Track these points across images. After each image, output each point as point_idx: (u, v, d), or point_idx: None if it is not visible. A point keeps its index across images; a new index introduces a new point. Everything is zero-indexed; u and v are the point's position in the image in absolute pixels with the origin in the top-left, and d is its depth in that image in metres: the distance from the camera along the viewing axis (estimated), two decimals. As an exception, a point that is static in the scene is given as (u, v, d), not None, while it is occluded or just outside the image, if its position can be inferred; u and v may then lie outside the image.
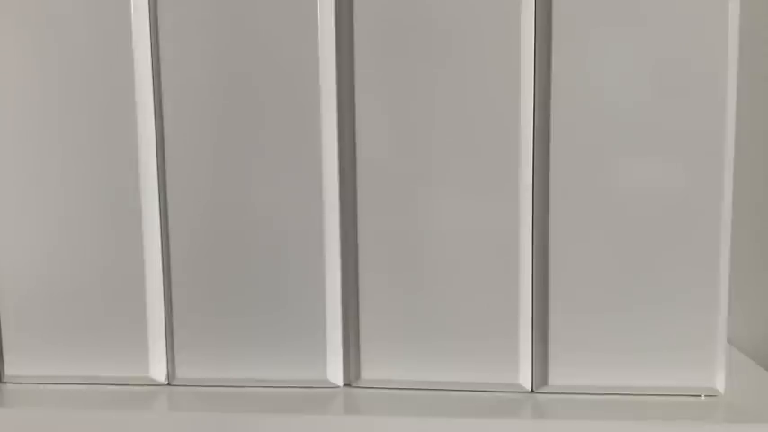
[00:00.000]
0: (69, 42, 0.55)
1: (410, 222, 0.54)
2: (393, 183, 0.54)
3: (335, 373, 0.57)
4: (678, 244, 0.53)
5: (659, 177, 0.53)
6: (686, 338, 0.53)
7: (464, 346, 0.55)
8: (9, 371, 0.59)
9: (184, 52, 0.55)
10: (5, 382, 0.59)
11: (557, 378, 0.55)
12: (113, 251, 0.57)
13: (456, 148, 0.53)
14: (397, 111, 0.54)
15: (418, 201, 0.54)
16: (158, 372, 0.58)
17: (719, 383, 0.54)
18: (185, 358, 0.57)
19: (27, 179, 0.57)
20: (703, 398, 0.54)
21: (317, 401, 0.55)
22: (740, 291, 0.71)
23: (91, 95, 0.55)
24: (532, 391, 0.55)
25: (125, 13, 0.54)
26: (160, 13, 0.54)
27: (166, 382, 0.58)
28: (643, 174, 0.53)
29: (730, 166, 0.52)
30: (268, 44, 0.54)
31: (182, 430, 0.53)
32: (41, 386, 0.58)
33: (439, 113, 0.53)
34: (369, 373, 0.56)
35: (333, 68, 0.54)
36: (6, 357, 0.59)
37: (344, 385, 0.57)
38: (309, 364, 0.56)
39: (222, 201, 0.55)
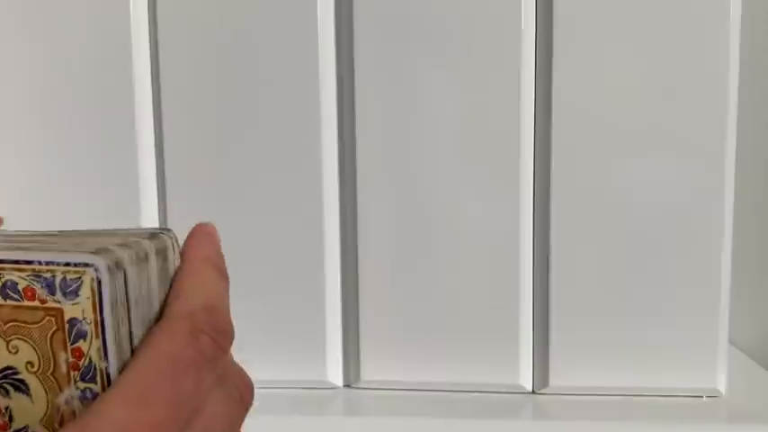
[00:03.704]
0: (69, 42, 0.55)
1: (410, 223, 0.54)
2: (393, 184, 0.54)
3: (335, 374, 0.56)
4: (679, 245, 0.53)
5: (660, 178, 0.52)
6: (687, 339, 0.53)
7: (464, 347, 0.55)
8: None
9: (184, 53, 0.54)
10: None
11: (558, 379, 0.54)
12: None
13: (456, 148, 0.53)
14: (397, 112, 0.53)
15: (418, 201, 0.54)
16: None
17: (721, 384, 0.54)
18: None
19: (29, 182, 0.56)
20: (705, 398, 0.54)
21: (317, 402, 0.55)
22: (741, 292, 0.70)
23: (90, 97, 0.55)
24: (533, 391, 0.55)
25: (124, 17, 0.54)
26: (159, 14, 0.54)
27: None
28: (644, 175, 0.52)
29: (732, 167, 0.52)
30: (268, 45, 0.54)
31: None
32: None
33: (439, 115, 0.53)
34: (369, 373, 0.56)
35: (333, 69, 0.54)
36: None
37: (344, 386, 0.57)
38: (309, 365, 0.56)
39: (222, 202, 0.55)
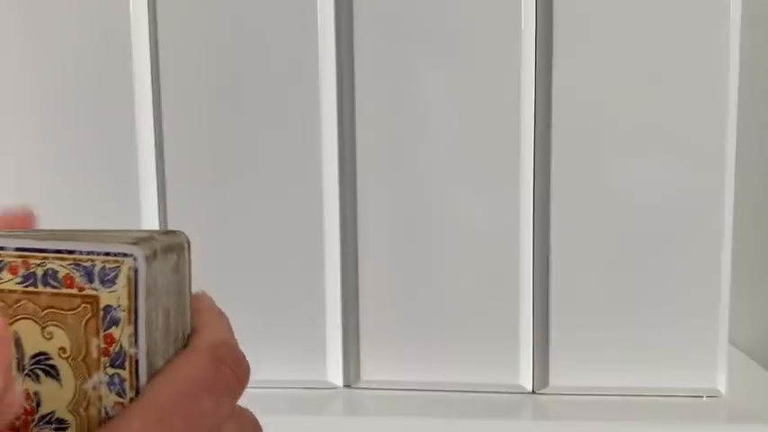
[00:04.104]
0: (69, 42, 0.55)
1: (410, 223, 0.54)
2: (393, 184, 0.54)
3: (335, 374, 0.56)
4: (679, 245, 0.53)
5: (660, 178, 0.52)
6: (688, 339, 0.53)
7: (465, 347, 0.55)
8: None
9: (184, 53, 0.54)
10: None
11: (558, 379, 0.54)
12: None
13: (456, 148, 0.53)
14: (397, 112, 0.53)
15: (419, 202, 0.54)
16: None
17: (721, 384, 0.54)
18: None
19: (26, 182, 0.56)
20: (705, 398, 0.54)
21: (317, 402, 0.55)
22: (741, 292, 0.70)
23: (90, 97, 0.55)
24: (533, 391, 0.55)
25: (124, 17, 0.54)
26: (159, 14, 0.54)
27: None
28: (644, 174, 0.52)
29: (732, 167, 0.52)
30: (268, 45, 0.54)
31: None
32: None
33: (439, 115, 0.53)
34: (369, 373, 0.56)
35: (333, 69, 0.54)
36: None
37: (344, 386, 0.57)
38: (309, 365, 0.56)
39: (222, 202, 0.55)
